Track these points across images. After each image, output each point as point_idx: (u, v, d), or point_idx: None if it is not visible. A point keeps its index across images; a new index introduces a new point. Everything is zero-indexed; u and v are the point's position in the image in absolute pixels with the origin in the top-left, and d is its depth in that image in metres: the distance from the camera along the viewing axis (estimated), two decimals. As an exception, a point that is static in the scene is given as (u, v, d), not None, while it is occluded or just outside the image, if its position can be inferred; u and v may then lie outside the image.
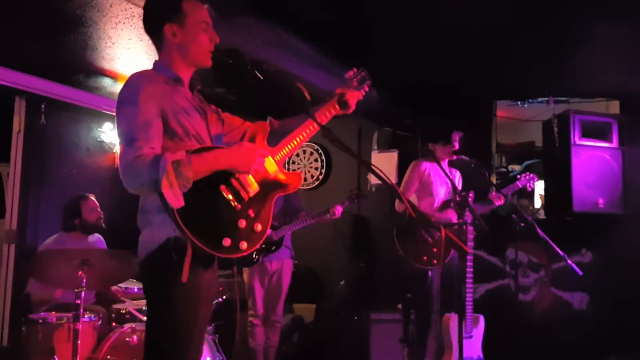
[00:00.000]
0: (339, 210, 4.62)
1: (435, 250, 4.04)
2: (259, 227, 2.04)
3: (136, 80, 2.01)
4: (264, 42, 3.89)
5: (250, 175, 2.07)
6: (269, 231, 2.13)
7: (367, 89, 2.50)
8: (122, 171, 1.89)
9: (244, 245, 1.98)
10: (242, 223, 2.00)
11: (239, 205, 2.00)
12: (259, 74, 2.23)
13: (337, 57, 4.44)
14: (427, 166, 4.34)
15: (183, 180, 1.81)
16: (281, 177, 2.20)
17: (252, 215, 2.04)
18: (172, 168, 1.79)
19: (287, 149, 2.25)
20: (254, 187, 2.07)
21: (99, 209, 4.42)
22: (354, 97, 2.44)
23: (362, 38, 4.36)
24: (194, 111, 2.11)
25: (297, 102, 2.32)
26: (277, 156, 2.21)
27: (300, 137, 2.29)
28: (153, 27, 2.15)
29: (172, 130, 2.00)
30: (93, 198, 4.42)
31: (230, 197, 1.99)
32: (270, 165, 2.16)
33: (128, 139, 1.91)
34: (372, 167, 2.16)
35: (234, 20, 3.63)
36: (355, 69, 2.50)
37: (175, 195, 1.79)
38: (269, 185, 2.14)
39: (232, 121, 2.36)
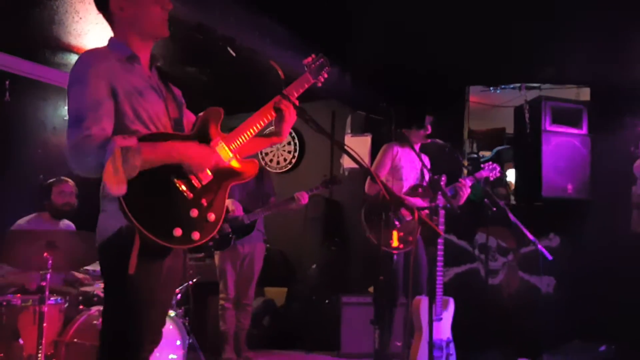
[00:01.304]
0: (304, 196, 4.56)
1: (402, 234, 4.05)
2: (212, 216, 1.97)
3: (86, 59, 1.93)
4: (237, 22, 3.81)
5: None
6: (228, 219, 2.06)
7: (325, 75, 2.40)
8: (69, 152, 1.81)
9: (196, 235, 1.90)
10: (194, 212, 1.93)
11: (191, 194, 1.94)
12: (231, 51, 2.17)
13: (310, 38, 4.39)
14: (399, 150, 4.34)
15: (129, 168, 1.74)
16: (235, 165, 2.12)
17: (205, 204, 1.97)
18: (120, 154, 1.72)
19: (242, 138, 2.15)
20: (206, 175, 2.00)
21: (71, 196, 4.26)
22: (290, 112, 2.27)
23: (336, 20, 4.32)
24: (149, 91, 2.03)
25: (271, 80, 2.26)
26: (232, 145, 2.12)
27: (258, 125, 2.20)
28: (100, 2, 2.06)
29: (121, 112, 1.92)
30: (70, 184, 4.26)
31: (182, 185, 1.92)
32: (224, 152, 2.08)
33: (76, 119, 1.84)
34: (346, 148, 2.14)
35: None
36: (313, 55, 2.40)
37: (118, 182, 1.72)
38: (222, 174, 2.06)
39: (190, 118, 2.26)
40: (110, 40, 2.08)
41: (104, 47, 2.04)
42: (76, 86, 1.89)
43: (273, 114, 2.23)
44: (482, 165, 4.35)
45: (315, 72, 2.37)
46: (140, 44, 2.07)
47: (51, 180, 4.27)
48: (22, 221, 4.18)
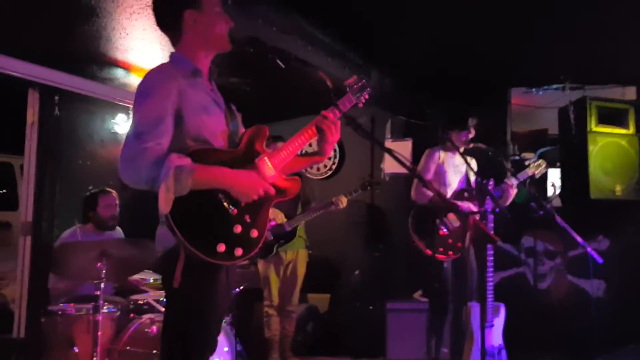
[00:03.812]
0: (343, 200, 4.61)
1: (450, 241, 4.00)
2: (255, 233, 2.00)
3: (155, 75, 1.99)
4: (280, 30, 3.85)
5: None
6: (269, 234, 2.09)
7: (367, 96, 2.44)
8: (122, 163, 1.86)
9: (239, 251, 1.94)
10: (238, 228, 1.96)
11: (235, 210, 1.97)
12: (280, 62, 2.20)
13: (352, 43, 4.40)
14: (443, 154, 4.30)
15: (180, 188, 1.78)
16: (279, 182, 2.16)
17: (249, 220, 2.00)
18: (173, 172, 1.77)
19: (286, 156, 2.19)
20: None
21: (116, 207, 4.34)
22: (331, 132, 2.26)
23: (378, 24, 4.32)
24: (213, 105, 2.09)
25: (314, 88, 2.28)
26: (276, 162, 2.16)
27: (300, 140, 2.23)
28: (171, 15, 2.11)
29: (184, 131, 1.97)
30: (114, 194, 4.34)
31: (227, 201, 1.96)
32: (269, 169, 2.12)
33: (136, 132, 1.89)
34: (395, 154, 2.15)
35: (249, 8, 3.59)
36: (355, 77, 2.45)
37: (167, 200, 1.76)
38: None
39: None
40: (173, 55, 2.13)
41: (168, 64, 2.09)
42: (142, 101, 1.94)
43: (316, 133, 2.25)
44: (527, 164, 4.26)
45: (356, 92, 2.40)
46: (203, 56, 2.14)
47: (95, 191, 4.33)
48: (65, 234, 4.24)
